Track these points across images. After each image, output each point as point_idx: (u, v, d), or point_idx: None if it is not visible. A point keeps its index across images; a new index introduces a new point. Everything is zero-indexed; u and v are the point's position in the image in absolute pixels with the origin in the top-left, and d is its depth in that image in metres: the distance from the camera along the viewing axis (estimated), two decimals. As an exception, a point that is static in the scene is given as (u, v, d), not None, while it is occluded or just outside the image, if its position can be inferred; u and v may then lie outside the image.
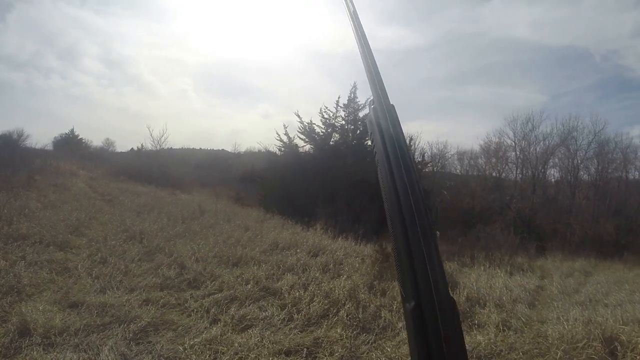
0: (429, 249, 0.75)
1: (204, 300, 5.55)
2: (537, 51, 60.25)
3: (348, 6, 1.12)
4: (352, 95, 20.26)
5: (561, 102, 53.47)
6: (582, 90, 54.78)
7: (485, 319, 5.74)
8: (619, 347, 4.61)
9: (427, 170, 25.98)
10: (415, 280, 0.73)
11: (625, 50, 61.00)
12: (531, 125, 31.79)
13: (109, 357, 3.83)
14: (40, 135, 64.15)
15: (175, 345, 4.24)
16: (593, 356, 4.43)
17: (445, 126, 57.66)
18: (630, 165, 30.94)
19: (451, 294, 0.73)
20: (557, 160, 31.46)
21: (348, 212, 14.95)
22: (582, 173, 30.61)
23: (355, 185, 14.84)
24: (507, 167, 32.69)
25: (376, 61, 1.01)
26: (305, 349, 4.34)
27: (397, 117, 0.93)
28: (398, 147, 0.88)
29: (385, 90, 0.96)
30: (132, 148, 39.02)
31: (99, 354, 3.88)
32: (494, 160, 33.02)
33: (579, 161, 30.41)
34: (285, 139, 20.90)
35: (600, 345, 4.62)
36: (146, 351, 4.10)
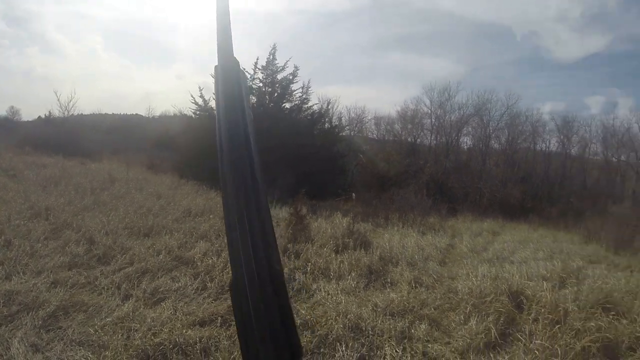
0: (252, 221, 0.71)
1: (114, 276, 5.37)
2: (461, 25, 61.90)
3: None
4: (271, 57, 19.77)
5: (480, 75, 56.09)
6: (501, 65, 57.73)
7: (397, 277, 6.07)
8: (524, 301, 5.12)
9: (343, 133, 26.54)
10: (234, 253, 0.70)
11: (546, 32, 64.29)
12: (447, 94, 33.04)
13: (20, 350, 3.58)
14: None
15: (86, 327, 4.07)
16: (501, 309, 4.83)
17: (365, 91, 58.06)
18: (538, 137, 33.67)
19: (279, 266, 0.71)
20: (470, 129, 33.19)
21: (264, 176, 14.89)
22: (493, 142, 32.65)
23: (271, 149, 14.66)
24: (422, 134, 33.82)
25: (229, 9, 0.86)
26: (219, 318, 4.35)
27: (240, 77, 0.84)
28: (230, 109, 0.81)
29: (231, 44, 0.85)
30: (40, 116, 35.88)
31: (9, 348, 3.61)
32: (410, 126, 34.03)
33: (491, 131, 32.31)
34: (200, 101, 20.22)
35: (507, 299, 5.07)
36: (57, 338, 3.91)
